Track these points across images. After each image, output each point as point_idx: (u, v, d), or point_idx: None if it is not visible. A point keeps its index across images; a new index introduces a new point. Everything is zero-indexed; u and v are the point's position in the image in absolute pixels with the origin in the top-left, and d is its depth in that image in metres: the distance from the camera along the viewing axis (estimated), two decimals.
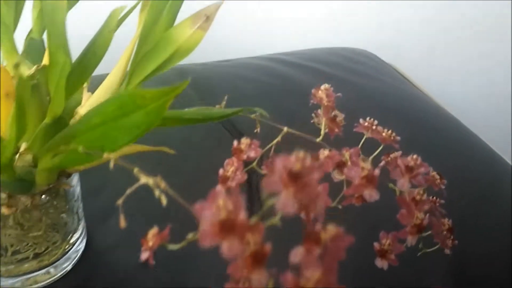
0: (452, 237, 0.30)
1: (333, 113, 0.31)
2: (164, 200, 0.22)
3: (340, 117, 0.31)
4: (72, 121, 0.37)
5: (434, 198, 0.31)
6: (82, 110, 0.37)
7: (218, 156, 0.59)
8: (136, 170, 0.23)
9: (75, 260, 0.47)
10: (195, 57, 0.93)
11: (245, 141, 0.28)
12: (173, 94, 0.24)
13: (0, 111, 0.35)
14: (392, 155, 0.32)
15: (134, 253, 0.48)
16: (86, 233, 0.48)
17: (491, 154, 0.62)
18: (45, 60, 0.39)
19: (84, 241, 0.48)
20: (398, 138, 0.31)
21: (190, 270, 0.47)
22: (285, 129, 0.30)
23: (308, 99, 0.66)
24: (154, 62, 0.33)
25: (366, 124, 0.33)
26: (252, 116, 0.31)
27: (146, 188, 0.50)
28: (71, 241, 0.46)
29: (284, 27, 0.97)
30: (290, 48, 0.92)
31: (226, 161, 0.29)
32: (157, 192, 0.22)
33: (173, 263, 0.46)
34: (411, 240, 0.27)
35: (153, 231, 0.23)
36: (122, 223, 0.21)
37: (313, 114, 0.34)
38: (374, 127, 0.33)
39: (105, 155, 0.24)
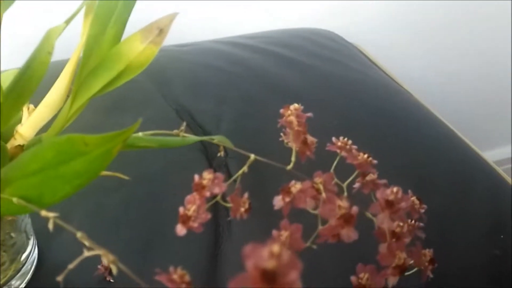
0: (433, 266, 0.28)
1: (304, 137, 0.28)
2: (114, 269, 0.19)
3: (312, 140, 0.28)
4: (11, 142, 0.33)
5: (413, 222, 0.29)
6: (22, 129, 0.33)
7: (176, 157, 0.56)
8: (80, 235, 0.19)
9: (27, 278, 0.43)
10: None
11: (207, 175, 0.25)
12: (120, 139, 0.21)
13: None
14: (368, 178, 0.30)
15: (88, 269, 0.45)
16: (37, 249, 0.45)
17: (463, 147, 0.61)
18: None
19: (36, 257, 0.44)
20: (375, 161, 0.29)
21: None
22: (252, 156, 0.27)
23: (270, 87, 0.63)
24: (101, 80, 0.29)
25: (339, 144, 0.30)
26: (215, 140, 0.28)
27: (96, 201, 0.45)
28: (21, 259, 0.42)
29: (245, 7, 0.93)
30: (252, 29, 0.88)
31: (187, 198, 0.26)
32: (105, 261, 0.19)
33: (130, 279, 0.43)
34: (393, 280, 0.25)
35: None
36: None
37: (281, 133, 0.30)
38: (348, 146, 0.30)
39: (43, 212, 0.20)
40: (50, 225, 0.20)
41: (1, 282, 0.41)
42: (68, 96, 0.34)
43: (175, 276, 0.20)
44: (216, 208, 0.51)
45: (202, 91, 0.66)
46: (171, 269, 0.21)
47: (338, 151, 0.30)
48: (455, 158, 0.59)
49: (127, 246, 0.47)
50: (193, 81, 0.68)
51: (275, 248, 0.14)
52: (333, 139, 0.31)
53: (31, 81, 0.27)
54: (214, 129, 0.59)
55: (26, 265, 0.43)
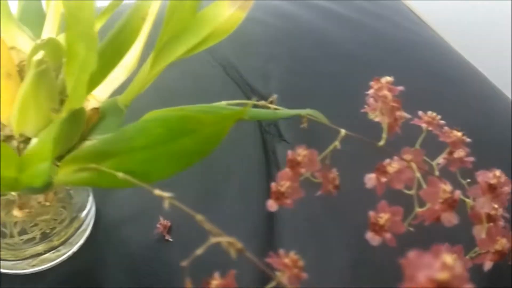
0: None
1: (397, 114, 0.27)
2: (234, 254, 0.19)
3: (402, 115, 0.27)
4: (85, 104, 0.32)
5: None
6: (96, 91, 0.32)
7: None
8: (199, 218, 0.19)
9: (85, 235, 0.44)
10: None
11: (302, 152, 0.25)
12: (234, 118, 0.20)
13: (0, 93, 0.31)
14: (455, 155, 0.29)
15: (145, 226, 0.45)
16: (95, 207, 0.45)
17: None
18: (48, 31, 0.34)
19: (93, 214, 0.45)
20: (468, 140, 0.28)
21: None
22: (343, 131, 0.26)
23: (319, 44, 0.61)
24: (184, 45, 0.28)
25: (426, 118, 0.29)
26: (303, 113, 0.27)
27: None
28: (81, 217, 0.43)
29: None
30: None
31: (280, 173, 0.25)
32: (228, 248, 0.18)
33: (189, 239, 0.44)
34: (488, 265, 0.25)
35: (216, 281, 0.20)
36: (188, 285, 0.18)
37: (366, 105, 0.29)
38: (435, 121, 0.29)
39: (157, 192, 0.20)
40: (166, 205, 0.19)
41: (62, 239, 0.41)
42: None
43: (287, 260, 0.20)
44: (269, 166, 0.50)
45: (249, 47, 0.64)
46: (282, 252, 0.20)
47: (425, 125, 0.29)
48: (507, 121, 0.57)
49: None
50: (239, 35, 0.66)
51: (448, 259, 0.13)
52: (420, 113, 0.30)
53: (121, 47, 0.26)
54: (263, 87, 0.58)
55: (85, 222, 0.43)
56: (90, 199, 0.43)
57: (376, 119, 0.30)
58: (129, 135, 0.21)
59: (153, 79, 0.31)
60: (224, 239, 0.17)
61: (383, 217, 0.23)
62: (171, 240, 0.43)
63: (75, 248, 0.43)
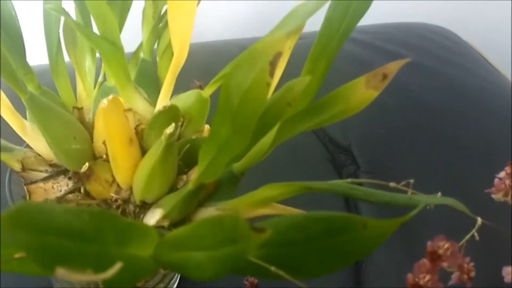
0: None
1: None
2: None
3: None
4: None
5: None
6: None
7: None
8: None
9: None
10: (247, 29, 0.85)
11: (443, 244, 0.24)
12: (398, 223, 0.19)
13: (122, 158, 0.31)
14: None
15: (232, 282, 0.44)
16: None
17: None
18: (164, 95, 0.34)
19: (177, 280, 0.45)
20: None
21: None
22: (479, 220, 0.26)
23: (394, 90, 0.60)
24: (313, 120, 0.28)
25: None
26: (442, 202, 0.27)
27: None
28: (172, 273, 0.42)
29: None
30: None
31: (417, 264, 0.24)
32: None
33: None
34: None
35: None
36: None
37: (493, 188, 0.29)
38: None
39: None
40: None
41: None
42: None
43: None
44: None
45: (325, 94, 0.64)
46: None
47: None
48: None
49: None
50: None
51: None
52: None
53: (263, 130, 0.26)
54: (342, 137, 0.58)
55: (174, 277, 0.43)
56: None
57: (498, 199, 0.29)
58: (284, 228, 0.21)
59: (271, 150, 0.31)
60: None
61: None
62: None
63: None
